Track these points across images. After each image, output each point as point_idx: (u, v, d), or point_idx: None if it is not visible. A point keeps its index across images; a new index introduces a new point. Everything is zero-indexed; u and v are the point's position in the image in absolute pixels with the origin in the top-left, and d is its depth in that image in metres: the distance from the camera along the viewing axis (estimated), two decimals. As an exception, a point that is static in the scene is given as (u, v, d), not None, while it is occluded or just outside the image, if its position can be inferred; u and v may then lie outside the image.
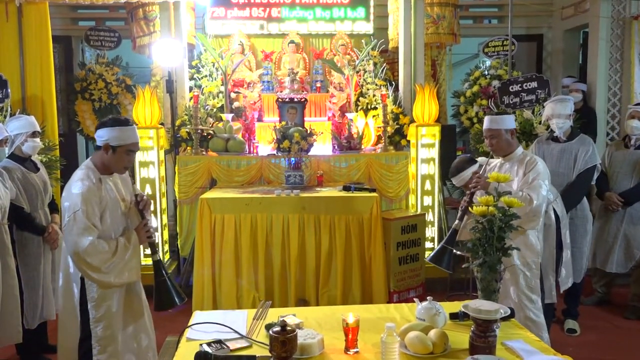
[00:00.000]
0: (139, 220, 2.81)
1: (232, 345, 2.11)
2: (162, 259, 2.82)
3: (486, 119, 3.41)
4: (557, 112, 4.21)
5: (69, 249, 2.59)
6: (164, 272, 2.74)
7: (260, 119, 5.75)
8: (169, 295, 2.72)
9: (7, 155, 3.59)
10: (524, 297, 3.23)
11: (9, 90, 4.70)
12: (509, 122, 3.37)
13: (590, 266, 4.73)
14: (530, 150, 4.24)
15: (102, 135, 2.71)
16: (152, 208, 4.87)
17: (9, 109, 4.59)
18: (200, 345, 2.06)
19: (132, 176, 5.19)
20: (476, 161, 3.58)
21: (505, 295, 3.22)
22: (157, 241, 5.11)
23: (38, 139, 3.79)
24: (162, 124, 5.29)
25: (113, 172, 2.78)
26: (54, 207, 3.85)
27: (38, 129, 3.81)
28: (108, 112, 6.30)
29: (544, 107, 4.60)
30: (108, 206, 2.66)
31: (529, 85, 4.91)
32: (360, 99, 5.87)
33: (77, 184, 2.61)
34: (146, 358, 2.91)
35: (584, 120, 5.30)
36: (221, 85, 5.71)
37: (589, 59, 6.26)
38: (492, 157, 3.46)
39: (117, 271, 2.63)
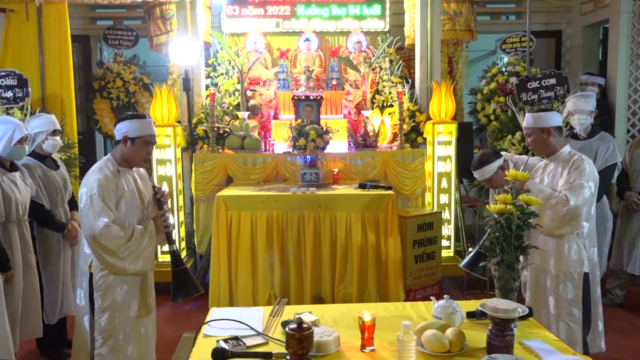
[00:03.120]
0: (156, 212, 2.85)
1: (249, 342, 2.11)
2: (179, 250, 2.81)
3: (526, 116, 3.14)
4: (580, 108, 4.14)
5: (85, 233, 2.64)
6: (180, 262, 2.76)
7: (276, 117, 5.76)
8: (186, 285, 2.73)
9: (27, 153, 3.65)
10: (563, 311, 2.95)
11: (29, 89, 4.77)
12: (546, 120, 3.00)
13: (613, 267, 4.66)
14: None
15: (121, 129, 2.77)
16: (169, 204, 4.92)
17: (29, 108, 4.66)
18: (217, 341, 2.07)
19: (149, 174, 5.26)
20: (501, 155, 3.31)
21: (542, 304, 3.02)
22: (173, 232, 5.18)
23: (58, 137, 3.85)
24: (179, 122, 5.33)
25: (133, 166, 2.84)
26: (73, 205, 3.90)
27: (58, 127, 3.87)
28: (126, 111, 6.36)
29: (562, 103, 4.54)
30: (124, 195, 2.72)
31: (548, 82, 4.84)
32: (376, 96, 5.85)
33: (95, 172, 2.69)
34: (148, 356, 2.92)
35: (604, 117, 5.22)
36: (237, 83, 5.73)
37: (609, 54, 6.16)
38: (532, 155, 3.25)
39: (133, 258, 2.67)
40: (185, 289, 2.72)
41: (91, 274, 2.71)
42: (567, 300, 2.95)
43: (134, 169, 2.87)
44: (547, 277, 3.03)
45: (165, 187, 5.11)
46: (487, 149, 3.62)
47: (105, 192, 2.63)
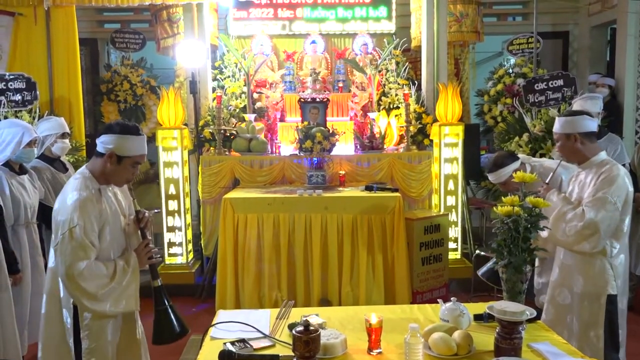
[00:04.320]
0: (139, 240, 2.46)
1: (256, 344, 2.12)
2: (163, 285, 2.42)
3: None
4: (587, 110, 4.12)
5: (61, 271, 2.22)
6: (165, 300, 2.39)
7: (282, 119, 5.77)
8: (170, 326, 2.36)
9: (36, 156, 3.67)
10: (581, 332, 2.75)
11: (38, 92, 4.81)
12: (573, 125, 2.75)
13: None
14: (555, 150, 4.11)
15: (107, 142, 2.32)
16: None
17: (38, 111, 4.70)
18: (224, 344, 2.08)
19: (157, 177, 5.22)
20: (518, 158, 3.19)
21: (562, 320, 2.83)
22: (180, 235, 5.18)
23: (67, 140, 3.89)
24: (185, 124, 5.35)
25: (111, 184, 2.43)
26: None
27: (67, 130, 3.91)
28: (133, 113, 6.40)
29: (570, 104, 4.53)
30: (108, 221, 2.32)
31: (555, 83, 4.83)
32: (383, 98, 5.84)
33: (74, 194, 2.25)
34: None
35: (612, 118, 5.19)
36: (244, 85, 5.75)
37: (616, 55, 6.14)
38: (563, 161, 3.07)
39: (114, 298, 2.28)
40: (169, 332, 2.36)
41: (75, 308, 2.30)
42: (586, 322, 2.74)
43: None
44: (567, 294, 2.84)
45: (172, 190, 5.13)
46: (503, 152, 3.56)
47: (88, 223, 2.22)
